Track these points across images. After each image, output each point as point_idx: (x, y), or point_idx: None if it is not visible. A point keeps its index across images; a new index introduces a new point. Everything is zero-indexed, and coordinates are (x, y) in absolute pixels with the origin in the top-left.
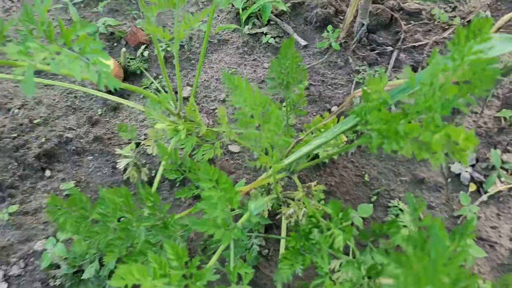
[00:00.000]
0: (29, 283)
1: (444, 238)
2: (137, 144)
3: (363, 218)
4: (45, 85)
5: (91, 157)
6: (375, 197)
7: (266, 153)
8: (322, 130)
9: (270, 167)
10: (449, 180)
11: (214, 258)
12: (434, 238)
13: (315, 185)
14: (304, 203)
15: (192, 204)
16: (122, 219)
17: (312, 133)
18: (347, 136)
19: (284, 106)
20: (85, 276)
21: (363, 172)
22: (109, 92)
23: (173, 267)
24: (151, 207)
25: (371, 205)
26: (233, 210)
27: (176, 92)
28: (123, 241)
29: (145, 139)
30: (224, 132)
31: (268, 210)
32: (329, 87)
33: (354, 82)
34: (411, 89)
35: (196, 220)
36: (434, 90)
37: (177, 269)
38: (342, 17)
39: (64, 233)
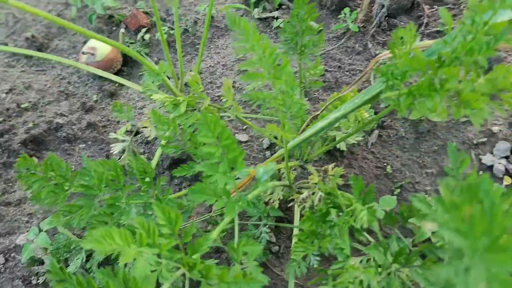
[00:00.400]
0: (9, 280)
1: (496, 193)
2: (135, 133)
3: (385, 212)
4: (36, 70)
5: (84, 145)
6: (398, 190)
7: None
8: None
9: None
10: (480, 172)
11: (216, 232)
12: (484, 192)
13: (332, 168)
14: (319, 189)
15: None
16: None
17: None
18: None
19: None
20: (70, 269)
21: (384, 164)
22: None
23: (164, 235)
24: (144, 181)
25: (395, 197)
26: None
27: (178, 78)
28: (110, 218)
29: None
30: (227, 102)
31: (279, 199)
32: (347, 73)
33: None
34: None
35: (194, 188)
36: (476, 29)
37: (168, 238)
38: (359, 1)
39: (48, 222)
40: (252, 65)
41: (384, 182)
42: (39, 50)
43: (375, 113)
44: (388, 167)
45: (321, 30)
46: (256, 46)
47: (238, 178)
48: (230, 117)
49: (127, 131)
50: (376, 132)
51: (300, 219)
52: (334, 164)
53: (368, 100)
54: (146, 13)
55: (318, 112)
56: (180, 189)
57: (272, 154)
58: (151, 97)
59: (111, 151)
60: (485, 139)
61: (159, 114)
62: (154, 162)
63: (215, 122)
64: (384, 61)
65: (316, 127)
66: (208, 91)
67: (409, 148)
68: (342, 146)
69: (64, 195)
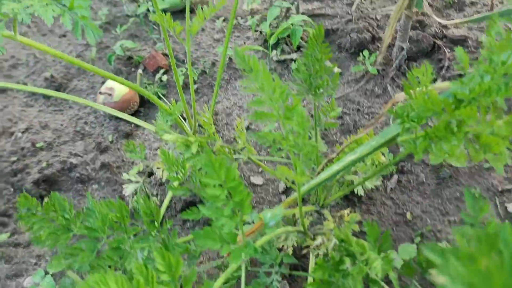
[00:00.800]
0: None
1: None
2: (148, 175)
3: (404, 261)
4: (54, 110)
5: (96, 186)
6: (418, 239)
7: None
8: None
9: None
10: (506, 221)
11: (220, 281)
12: (504, 242)
13: (348, 214)
14: (334, 235)
15: None
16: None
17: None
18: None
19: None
20: None
21: (404, 210)
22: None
23: (163, 283)
24: (151, 224)
25: (415, 245)
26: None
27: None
28: (113, 262)
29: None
30: (240, 143)
31: (293, 246)
32: (366, 116)
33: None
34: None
35: (198, 232)
36: (494, 68)
37: (167, 285)
38: (379, 44)
39: (55, 265)
40: (261, 104)
41: (404, 229)
42: (58, 90)
43: (394, 157)
44: (408, 213)
45: (337, 71)
46: (265, 84)
47: (250, 223)
48: (244, 159)
49: (139, 171)
50: (396, 177)
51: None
52: (350, 209)
53: (384, 143)
54: (165, 54)
55: (334, 155)
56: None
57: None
58: (163, 137)
59: (123, 192)
60: (510, 186)
61: (169, 154)
62: (165, 205)
63: (220, 163)
64: (401, 102)
65: (331, 170)
66: (224, 132)
67: (430, 195)
68: (360, 191)
69: (66, 237)
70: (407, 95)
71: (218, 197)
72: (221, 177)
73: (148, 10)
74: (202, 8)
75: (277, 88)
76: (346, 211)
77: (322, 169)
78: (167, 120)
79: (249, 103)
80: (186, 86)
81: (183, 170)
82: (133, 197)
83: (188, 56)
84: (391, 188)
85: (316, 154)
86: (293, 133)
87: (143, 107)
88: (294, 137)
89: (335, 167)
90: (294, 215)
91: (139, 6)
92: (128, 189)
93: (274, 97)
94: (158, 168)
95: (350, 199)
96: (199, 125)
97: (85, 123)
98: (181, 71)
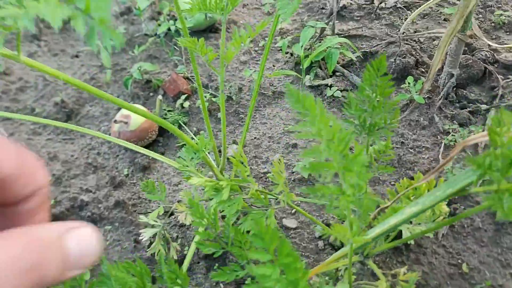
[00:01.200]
0: None
1: None
2: (169, 214)
3: None
4: (63, 139)
5: (110, 227)
6: None
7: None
8: (413, 197)
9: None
10: None
11: None
12: None
13: (404, 273)
14: None
15: None
16: None
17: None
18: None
19: None
20: None
21: (459, 261)
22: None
23: None
24: None
25: None
26: None
27: (220, 151)
28: None
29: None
30: (278, 187)
31: None
32: (411, 150)
33: (443, 144)
34: None
35: None
36: None
37: None
38: (423, 69)
39: None
40: (318, 154)
41: (460, 283)
42: (69, 116)
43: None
44: (464, 264)
45: (395, 107)
46: (323, 130)
47: None
48: (277, 199)
49: (159, 214)
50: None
51: None
52: (406, 267)
53: (453, 193)
54: (187, 78)
55: (388, 204)
56: (217, 283)
57: (325, 244)
58: (189, 181)
59: (140, 237)
60: None
61: (198, 205)
62: (189, 253)
63: (272, 234)
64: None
65: (388, 223)
66: (253, 167)
67: (487, 243)
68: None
69: None
70: (491, 141)
71: (269, 277)
72: (272, 252)
73: (169, 29)
74: (237, 31)
75: (336, 134)
76: (402, 270)
77: (374, 218)
78: (192, 158)
79: (303, 153)
80: (209, 114)
81: (213, 222)
82: (150, 243)
83: (221, 84)
84: (443, 234)
85: (374, 208)
86: (352, 186)
87: (162, 136)
88: (354, 190)
89: (392, 220)
90: (337, 268)
91: (159, 25)
92: (146, 234)
93: (333, 145)
94: (180, 212)
95: (397, 247)
96: (227, 159)
97: (98, 153)
98: (204, 96)
